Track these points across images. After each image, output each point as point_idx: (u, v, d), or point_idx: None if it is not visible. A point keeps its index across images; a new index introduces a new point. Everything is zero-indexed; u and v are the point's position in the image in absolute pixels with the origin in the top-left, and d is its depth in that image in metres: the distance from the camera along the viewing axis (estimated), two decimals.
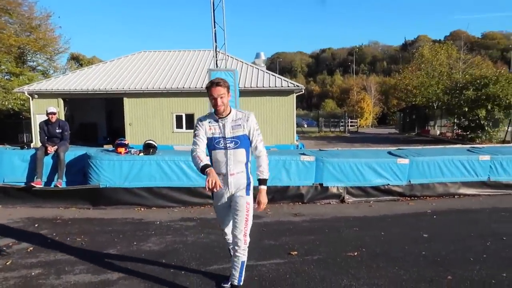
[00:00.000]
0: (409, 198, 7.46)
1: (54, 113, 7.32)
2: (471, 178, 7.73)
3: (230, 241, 3.32)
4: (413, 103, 33.83)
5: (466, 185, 7.73)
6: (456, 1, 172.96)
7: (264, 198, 3.14)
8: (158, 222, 5.84)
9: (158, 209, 6.72)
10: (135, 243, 4.86)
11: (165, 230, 5.45)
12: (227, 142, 3.08)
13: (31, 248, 4.67)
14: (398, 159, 7.54)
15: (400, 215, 6.30)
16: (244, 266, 3.19)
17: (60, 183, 6.98)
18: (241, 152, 3.11)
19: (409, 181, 7.53)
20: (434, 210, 6.57)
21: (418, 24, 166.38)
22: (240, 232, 3.12)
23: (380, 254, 4.38)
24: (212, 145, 3.10)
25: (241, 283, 3.22)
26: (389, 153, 8.22)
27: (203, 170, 2.89)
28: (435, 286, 3.50)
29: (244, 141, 3.10)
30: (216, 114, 3.11)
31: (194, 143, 3.09)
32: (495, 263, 4.09)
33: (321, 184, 7.26)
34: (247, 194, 3.16)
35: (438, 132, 29.60)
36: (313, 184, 7.24)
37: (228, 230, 3.35)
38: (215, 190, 2.83)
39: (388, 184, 7.44)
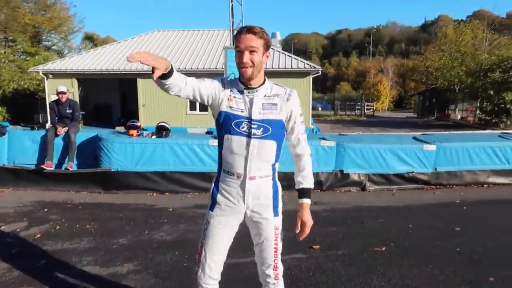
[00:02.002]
0: (434, 187, 7.04)
1: (64, 93, 7.06)
2: (503, 166, 7.24)
3: (211, 287, 2.17)
4: (434, 86, 32.75)
5: (497, 174, 7.24)
6: None
7: (310, 218, 2.15)
8: (171, 209, 5.58)
9: (171, 195, 6.46)
10: (146, 231, 4.61)
11: (178, 217, 5.18)
12: (252, 126, 1.99)
13: (39, 235, 4.45)
14: (424, 145, 7.10)
15: (427, 205, 5.90)
16: None
17: (71, 165, 6.77)
18: (271, 145, 2.05)
19: (435, 168, 7.10)
20: (464, 200, 6.15)
21: (438, 3, 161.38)
22: (269, 267, 2.18)
23: (410, 250, 4.02)
24: (227, 126, 2.01)
25: None
26: (414, 138, 7.77)
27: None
28: None
29: (277, 130, 2.04)
30: (242, 82, 2.03)
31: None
32: None
33: (341, 171, 6.89)
34: (276, 214, 2.14)
35: (459, 117, 28.69)
36: (333, 170, 6.87)
37: (213, 267, 2.14)
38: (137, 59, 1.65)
39: (413, 172, 7.03)
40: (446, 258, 3.80)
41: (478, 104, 24.40)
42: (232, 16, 10.14)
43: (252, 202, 2.09)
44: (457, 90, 28.92)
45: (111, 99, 22.76)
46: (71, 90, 18.74)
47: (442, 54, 30.96)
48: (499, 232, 4.58)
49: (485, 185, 7.13)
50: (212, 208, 2.14)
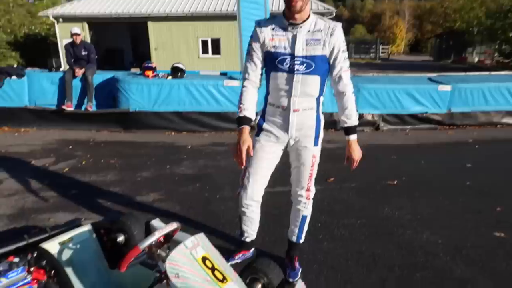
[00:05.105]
0: (448, 127, 7.08)
1: (78, 34, 7.06)
2: None
3: (252, 208, 2.37)
4: (451, 28, 31.49)
5: (511, 114, 7.24)
6: None
7: (357, 153, 2.25)
8: (189, 147, 5.78)
9: (188, 134, 6.65)
10: (168, 166, 4.83)
11: (197, 154, 5.39)
12: (295, 62, 2.05)
13: (67, 169, 4.71)
14: (439, 86, 7.04)
15: (439, 144, 6.01)
16: (307, 222, 2.45)
17: (91, 106, 6.93)
18: (314, 80, 2.10)
19: (450, 109, 7.09)
20: (476, 139, 6.21)
21: None
22: (302, 189, 2.34)
23: (422, 183, 4.18)
24: (272, 64, 2.10)
25: (301, 241, 2.51)
26: (429, 79, 7.70)
27: (238, 123, 2.13)
28: (484, 217, 3.32)
29: (320, 65, 2.09)
30: (287, 18, 2.05)
31: (245, 69, 2.19)
32: None
33: None
34: (315, 144, 2.25)
35: (476, 60, 27.84)
36: None
37: (255, 188, 2.30)
38: (241, 162, 2.11)
39: (427, 112, 7.04)
40: (457, 190, 3.96)
41: (497, 47, 23.52)
42: None
43: (295, 132, 2.21)
44: (475, 33, 27.80)
45: (122, 44, 22.53)
46: (83, 34, 18.58)
47: None
48: (509, 169, 4.70)
49: (498, 126, 7.15)
50: (258, 134, 2.29)
